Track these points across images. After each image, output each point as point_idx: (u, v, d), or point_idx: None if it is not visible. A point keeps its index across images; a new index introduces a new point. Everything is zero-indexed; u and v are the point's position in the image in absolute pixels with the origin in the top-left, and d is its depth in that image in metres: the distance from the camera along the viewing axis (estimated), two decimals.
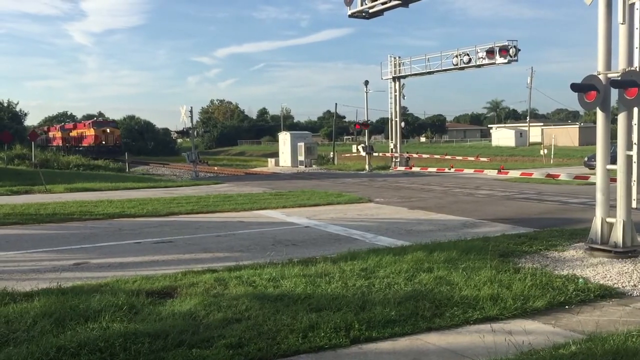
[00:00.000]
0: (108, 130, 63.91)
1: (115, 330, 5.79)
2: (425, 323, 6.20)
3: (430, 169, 25.83)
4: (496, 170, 19.65)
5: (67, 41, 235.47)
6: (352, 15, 22.38)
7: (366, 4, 21.55)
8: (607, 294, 7.40)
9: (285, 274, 8.00)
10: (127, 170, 40.46)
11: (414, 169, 25.29)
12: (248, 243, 11.36)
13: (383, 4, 21.03)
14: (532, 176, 18.65)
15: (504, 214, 15.17)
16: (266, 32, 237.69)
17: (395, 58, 35.12)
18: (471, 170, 20.64)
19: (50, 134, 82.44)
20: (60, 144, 74.76)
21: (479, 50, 28.70)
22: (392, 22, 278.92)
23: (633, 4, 8.98)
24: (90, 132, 64.62)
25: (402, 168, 28.24)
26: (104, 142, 62.80)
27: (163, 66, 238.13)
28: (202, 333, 5.80)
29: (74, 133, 71.11)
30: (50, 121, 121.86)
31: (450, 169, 21.68)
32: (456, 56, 29.91)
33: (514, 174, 19.65)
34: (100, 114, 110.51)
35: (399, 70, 34.84)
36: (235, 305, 6.61)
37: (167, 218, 15.06)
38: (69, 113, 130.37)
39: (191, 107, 37.68)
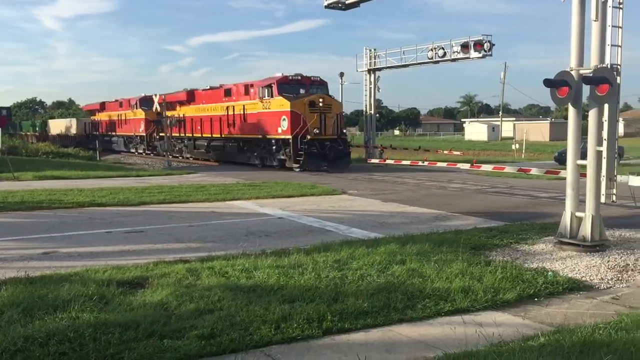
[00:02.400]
0: (320, 103, 26.97)
1: (85, 320, 5.71)
2: (398, 315, 6.25)
3: (404, 162, 25.98)
4: (469, 164, 19.85)
5: (37, 26, 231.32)
6: (328, 6, 22.34)
7: None
8: (575, 287, 7.55)
9: (258, 265, 7.98)
10: (97, 158, 39.79)
11: (388, 161, 25.35)
12: (221, 233, 11.29)
13: None
14: (504, 170, 18.89)
15: (476, 207, 15.34)
16: (241, 21, 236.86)
17: (370, 50, 35.13)
18: (444, 164, 20.82)
19: (113, 115, 47.77)
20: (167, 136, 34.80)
21: (454, 44, 28.86)
22: (368, 14, 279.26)
23: (606, 1, 9.10)
24: (278, 106, 27.32)
25: (376, 160, 28.27)
26: (317, 130, 26.75)
27: (135, 54, 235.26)
28: (174, 324, 5.75)
29: (190, 112, 35.91)
30: (19, 107, 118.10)
31: (423, 162, 21.80)
32: (431, 50, 30.03)
33: (487, 168, 19.89)
34: (71, 101, 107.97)
35: (374, 62, 34.87)
36: (207, 296, 6.57)
37: (139, 207, 14.87)
38: (38, 99, 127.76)
39: (164, 96, 37.26)
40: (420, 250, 8.87)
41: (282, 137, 27.53)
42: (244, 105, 30.32)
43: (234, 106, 31.24)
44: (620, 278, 8.01)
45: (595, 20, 9.19)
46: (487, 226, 11.87)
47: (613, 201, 9.80)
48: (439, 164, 21.11)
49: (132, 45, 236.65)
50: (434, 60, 30.10)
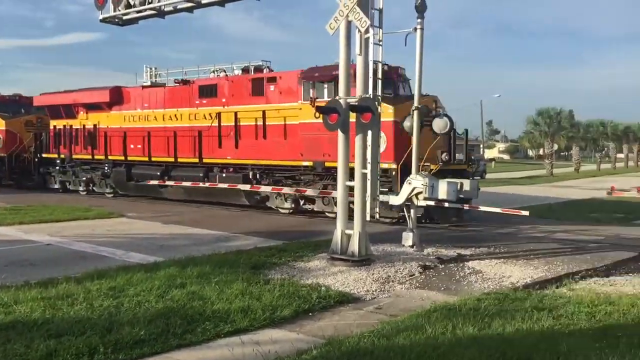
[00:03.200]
0: (432, 111, 15.55)
1: None
2: (177, 340, 6.13)
3: (184, 183, 25.50)
4: (249, 185, 20.23)
5: None
6: (104, 21, 21.12)
7: (120, 10, 20.64)
8: (344, 299, 8.11)
9: (19, 298, 7.26)
10: None
11: (169, 182, 24.70)
12: None
13: (138, 12, 20.36)
14: (282, 191, 19.62)
15: (257, 227, 15.71)
16: (1, 28, 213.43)
17: (151, 69, 33.97)
18: (225, 185, 20.98)
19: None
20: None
21: (235, 68, 29.34)
22: (151, 32, 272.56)
23: (368, 38, 10.07)
24: None
25: (155, 182, 27.38)
26: (446, 156, 15.84)
27: None
28: None
29: (115, 121, 23.93)
30: None
31: (204, 184, 21.70)
32: (213, 71, 30.07)
33: (266, 189, 20.43)
34: None
35: (156, 81, 34.01)
36: None
37: None
38: None
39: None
40: (201, 273, 8.82)
41: None
42: (263, 111, 19.40)
43: (235, 112, 20.25)
44: (382, 289, 8.81)
45: (359, 55, 10.11)
46: (267, 245, 12.22)
47: (377, 218, 10.79)
48: (220, 185, 21.17)
49: None
50: None
